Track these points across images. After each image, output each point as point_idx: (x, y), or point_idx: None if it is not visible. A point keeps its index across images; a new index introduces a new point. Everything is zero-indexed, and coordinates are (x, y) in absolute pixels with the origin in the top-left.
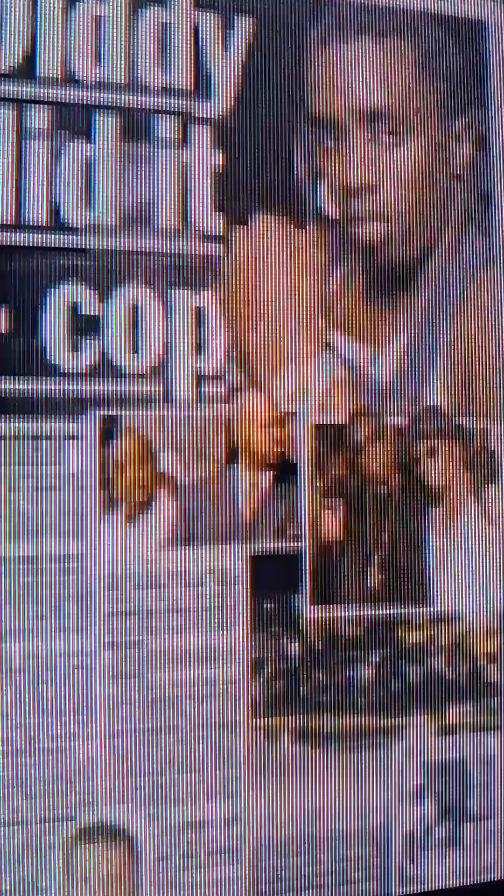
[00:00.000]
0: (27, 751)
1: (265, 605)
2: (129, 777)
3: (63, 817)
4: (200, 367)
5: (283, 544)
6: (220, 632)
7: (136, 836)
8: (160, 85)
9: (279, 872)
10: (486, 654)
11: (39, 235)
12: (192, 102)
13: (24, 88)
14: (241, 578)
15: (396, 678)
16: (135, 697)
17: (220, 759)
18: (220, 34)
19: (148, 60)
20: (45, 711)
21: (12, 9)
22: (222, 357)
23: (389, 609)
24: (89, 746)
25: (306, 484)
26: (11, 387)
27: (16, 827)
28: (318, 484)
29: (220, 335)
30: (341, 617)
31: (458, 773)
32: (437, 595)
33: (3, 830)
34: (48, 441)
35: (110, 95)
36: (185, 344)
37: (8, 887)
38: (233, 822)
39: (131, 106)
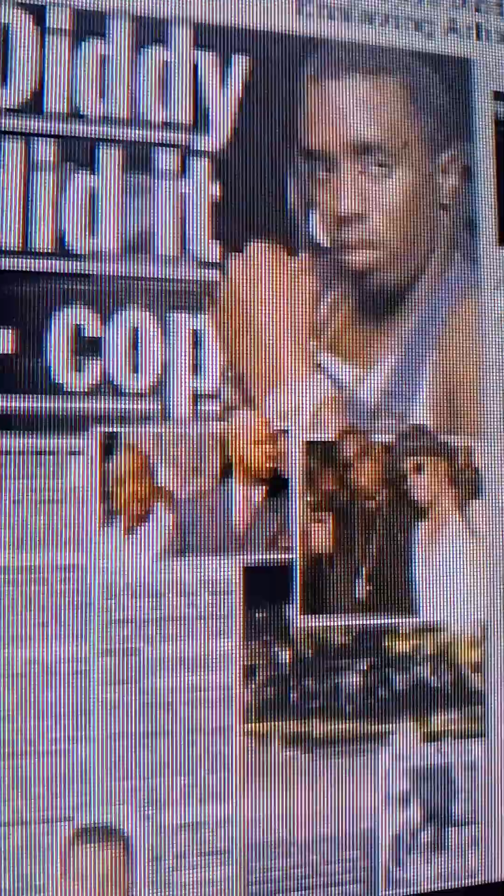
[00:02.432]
0: (27, 753)
1: (257, 615)
2: (126, 779)
3: (61, 818)
4: (197, 387)
5: (275, 556)
6: (214, 640)
7: (132, 837)
8: (161, 120)
9: (269, 873)
10: (470, 663)
11: (45, 261)
12: (191, 136)
13: (32, 123)
14: (234, 588)
15: (383, 686)
16: (131, 702)
17: (213, 762)
18: (218, 72)
19: (149, 97)
20: (44, 715)
21: (21, 48)
22: (218, 377)
23: (377, 619)
24: (87, 749)
25: (297, 498)
26: (17, 404)
27: (15, 827)
28: (308, 498)
29: (216, 356)
30: (330, 626)
31: (442, 779)
32: (422, 606)
33: (3, 830)
34: (51, 456)
35: (113, 129)
36: (183, 364)
37: (7, 885)
38: (225, 824)
39: (133, 139)
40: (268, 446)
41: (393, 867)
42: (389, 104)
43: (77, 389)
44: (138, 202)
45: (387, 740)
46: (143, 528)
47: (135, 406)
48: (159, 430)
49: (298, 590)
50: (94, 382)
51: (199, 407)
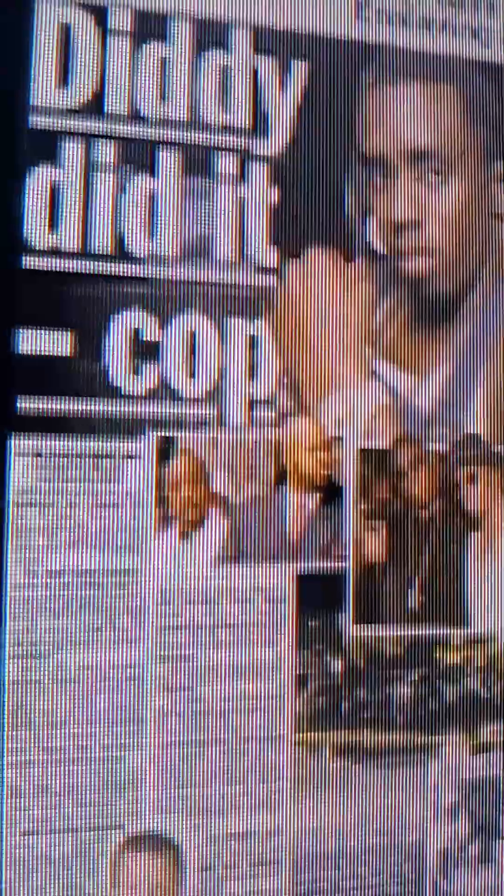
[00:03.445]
0: (78, 759)
1: (310, 623)
2: (176, 788)
3: (111, 826)
4: (253, 393)
5: (328, 564)
6: (266, 648)
7: (182, 846)
8: (220, 123)
9: (318, 885)
10: None
11: (104, 264)
12: (251, 141)
13: (93, 124)
14: (287, 596)
15: (433, 697)
16: (183, 710)
17: (264, 771)
18: (278, 77)
19: (209, 100)
20: (97, 721)
21: (84, 49)
22: (273, 383)
23: (428, 629)
24: (138, 757)
25: (351, 506)
26: (75, 407)
27: (65, 834)
28: (362, 506)
29: (272, 362)
30: (382, 636)
31: (491, 791)
32: (474, 617)
33: (53, 837)
34: (108, 460)
35: (173, 132)
36: (239, 370)
37: (56, 893)
38: (275, 834)
39: (193, 143)
40: (322, 453)
41: (440, 880)
42: (445, 112)
43: (134, 393)
44: (197, 206)
45: (436, 752)
46: (197, 533)
47: (191, 411)
48: (215, 436)
49: (351, 599)
50: (151, 387)
51: (254, 413)
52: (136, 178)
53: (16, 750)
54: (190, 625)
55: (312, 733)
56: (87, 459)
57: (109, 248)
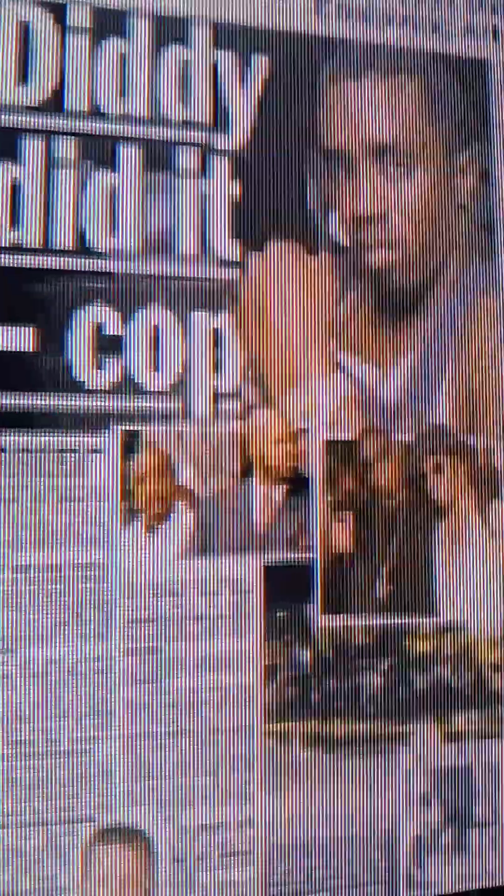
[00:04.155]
0: (48, 753)
1: (278, 614)
2: (147, 780)
3: (82, 819)
4: (217, 385)
5: (296, 555)
6: (235, 639)
7: (153, 838)
8: (181, 118)
9: (290, 875)
10: (491, 663)
11: (66, 259)
12: (211, 135)
13: (53, 121)
14: (255, 588)
15: (404, 686)
16: (152, 702)
17: (234, 762)
18: (238, 71)
19: (169, 96)
20: (65, 715)
21: (42, 46)
22: (238, 376)
23: (397, 619)
24: (108, 749)
25: (318, 497)
26: (38, 402)
27: (36, 827)
28: (329, 498)
29: (237, 355)
30: (351, 626)
31: (463, 780)
32: (442, 606)
33: (24, 831)
34: (72, 454)
35: (134, 128)
36: (203, 363)
37: (28, 886)
38: (246, 825)
39: (153, 138)
40: (288, 445)
41: (413, 868)
42: (407, 105)
43: (98, 388)
44: (159, 201)
45: (407, 741)
46: (163, 526)
47: (156, 405)
48: (180, 429)
49: (319, 589)
50: (115, 381)
51: (219, 406)
52: (96, 173)
53: None
54: (158, 617)
55: (283, 724)
56: (51, 454)
57: (71, 244)
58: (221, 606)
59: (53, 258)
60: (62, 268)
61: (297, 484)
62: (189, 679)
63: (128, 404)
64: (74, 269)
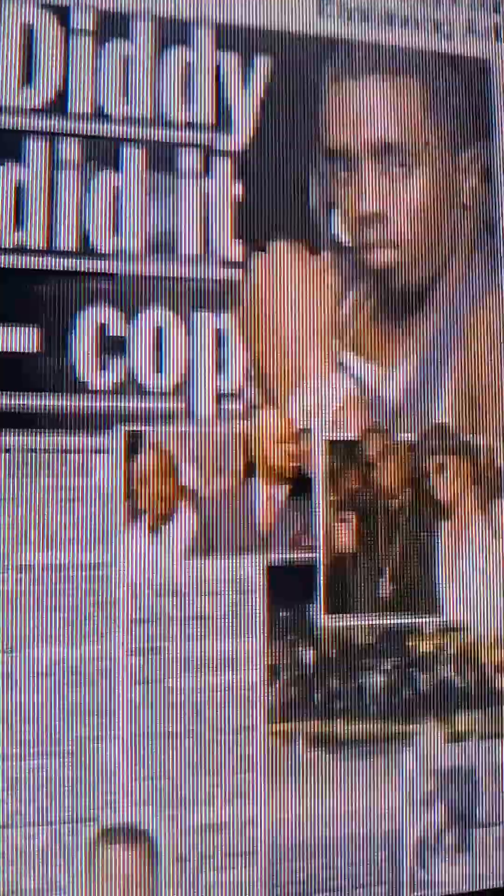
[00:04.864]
0: (51, 753)
1: (281, 614)
2: (150, 780)
3: (85, 818)
4: (220, 386)
5: (299, 555)
6: (238, 639)
7: (156, 838)
8: (184, 120)
9: (293, 875)
10: (494, 663)
11: (69, 260)
12: (214, 136)
13: (57, 122)
14: (258, 588)
15: (407, 686)
16: (155, 702)
17: (238, 763)
18: (240, 72)
19: (172, 97)
20: (69, 715)
21: (46, 48)
22: (241, 376)
23: (400, 619)
24: (112, 749)
25: (320, 497)
26: (42, 402)
27: (39, 827)
28: (331, 497)
29: (239, 355)
30: (354, 626)
31: (467, 780)
32: (445, 605)
33: (27, 830)
34: (76, 455)
35: (137, 129)
36: (206, 363)
37: (31, 886)
38: (249, 825)
39: (157, 139)
40: (291, 445)
41: (417, 869)
42: (409, 105)
43: (101, 388)
44: (162, 202)
45: (411, 741)
46: (167, 527)
47: (159, 405)
48: (183, 430)
49: (322, 589)
50: (118, 381)
51: (222, 406)
52: (100, 175)
53: None
54: (161, 617)
55: (286, 724)
56: (55, 455)
57: (75, 245)
58: (224, 606)
59: (57, 259)
60: (66, 269)
61: (300, 484)
62: (192, 679)
63: (131, 405)
64: (78, 270)
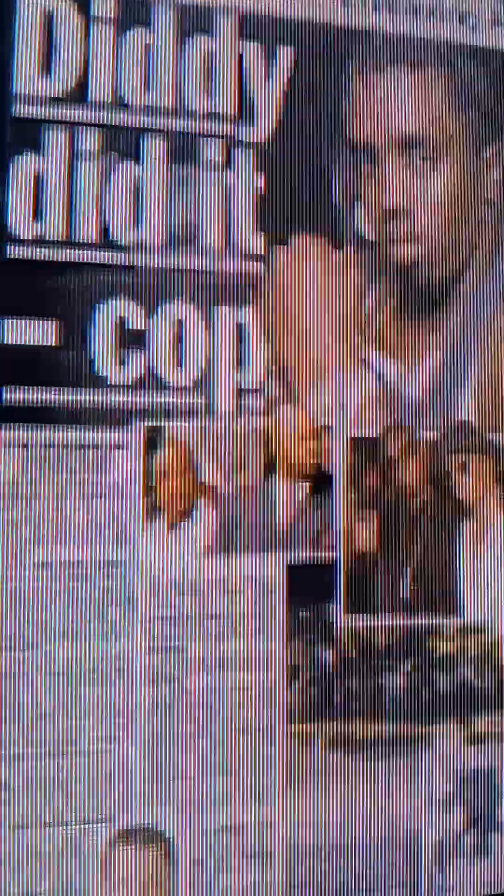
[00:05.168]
0: (69, 752)
1: (300, 614)
2: (167, 780)
3: (102, 819)
4: (241, 381)
5: (319, 554)
6: (257, 638)
7: (173, 840)
8: (206, 110)
9: (311, 877)
10: None
11: (89, 252)
12: (236, 127)
13: (77, 112)
14: (277, 587)
15: (427, 687)
16: (173, 702)
17: (256, 763)
18: (263, 63)
19: (194, 87)
20: (86, 714)
21: (67, 37)
22: (262, 371)
23: (420, 619)
24: (128, 749)
25: (341, 495)
26: (61, 397)
27: (56, 828)
28: (352, 496)
29: (261, 350)
30: (374, 626)
31: (486, 782)
32: (467, 606)
33: (44, 831)
34: (95, 450)
35: (158, 120)
36: (227, 358)
37: (47, 887)
38: (267, 827)
39: (178, 130)
40: (312, 442)
41: (436, 872)
42: (434, 98)
43: (121, 383)
44: (183, 193)
45: (430, 742)
46: (185, 524)
47: (179, 400)
48: (203, 425)
49: (342, 589)
50: (137, 376)
51: (243, 402)
52: (120, 166)
53: (4, 743)
54: (179, 616)
55: (305, 725)
56: (73, 450)
57: (94, 237)
58: (243, 605)
59: (76, 251)
60: (85, 261)
61: (321, 481)
62: (210, 678)
63: (151, 400)
64: (97, 262)
